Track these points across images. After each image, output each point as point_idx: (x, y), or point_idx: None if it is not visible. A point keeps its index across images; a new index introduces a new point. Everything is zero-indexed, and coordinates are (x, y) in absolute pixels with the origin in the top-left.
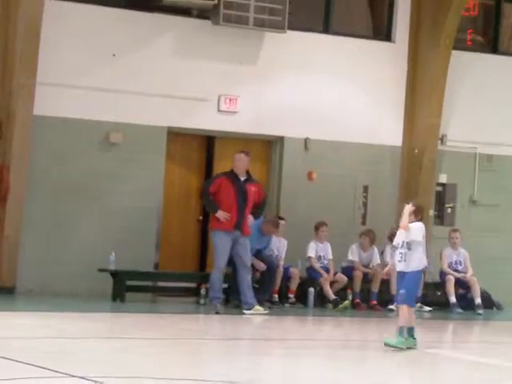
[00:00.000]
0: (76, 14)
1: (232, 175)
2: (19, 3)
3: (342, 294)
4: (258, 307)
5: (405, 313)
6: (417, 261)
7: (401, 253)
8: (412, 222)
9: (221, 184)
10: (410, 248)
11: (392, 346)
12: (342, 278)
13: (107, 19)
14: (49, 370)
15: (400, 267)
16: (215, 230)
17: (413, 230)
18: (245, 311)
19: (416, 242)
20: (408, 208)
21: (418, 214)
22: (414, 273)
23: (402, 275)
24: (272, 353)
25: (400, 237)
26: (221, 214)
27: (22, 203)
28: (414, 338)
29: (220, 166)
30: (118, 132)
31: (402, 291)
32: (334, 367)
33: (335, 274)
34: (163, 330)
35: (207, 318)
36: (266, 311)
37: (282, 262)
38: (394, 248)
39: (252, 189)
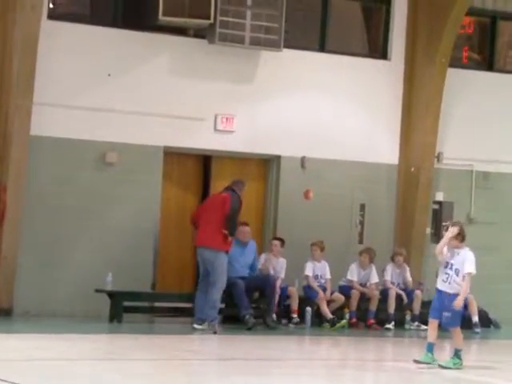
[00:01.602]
0: (72, 33)
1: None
2: (16, 23)
3: (339, 312)
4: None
5: (458, 334)
6: (460, 284)
7: (447, 273)
8: (457, 246)
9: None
10: (457, 274)
11: (449, 368)
12: (339, 297)
13: (103, 39)
14: None
15: (443, 287)
16: (223, 251)
17: (468, 263)
18: (196, 325)
19: (468, 274)
20: (451, 231)
21: (459, 237)
22: (457, 295)
23: (444, 295)
24: (271, 373)
25: (452, 258)
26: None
27: (18, 224)
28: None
29: (217, 186)
30: (113, 152)
31: (447, 314)
32: None
33: (332, 293)
34: (161, 351)
35: (205, 339)
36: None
37: (280, 282)
38: (441, 264)
39: None
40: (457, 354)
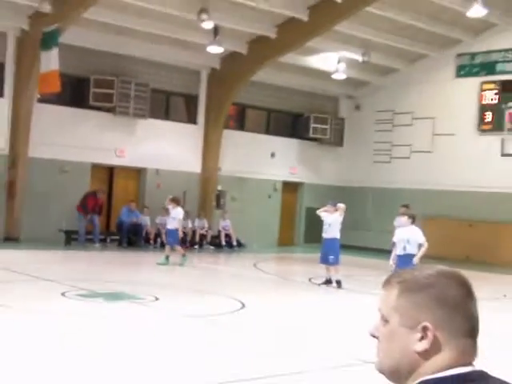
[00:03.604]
0: (49, 110)
1: (94, 193)
2: (21, 103)
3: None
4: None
5: (175, 249)
6: (173, 223)
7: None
8: (174, 207)
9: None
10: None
11: (162, 264)
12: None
13: (64, 112)
14: (32, 276)
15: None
16: (81, 214)
17: (175, 213)
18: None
19: (176, 219)
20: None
21: (176, 203)
22: (172, 230)
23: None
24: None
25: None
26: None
27: (23, 201)
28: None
29: (116, 183)
30: (68, 165)
31: (168, 238)
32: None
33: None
34: (87, 260)
35: (108, 253)
36: None
37: (147, 228)
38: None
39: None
40: (167, 258)
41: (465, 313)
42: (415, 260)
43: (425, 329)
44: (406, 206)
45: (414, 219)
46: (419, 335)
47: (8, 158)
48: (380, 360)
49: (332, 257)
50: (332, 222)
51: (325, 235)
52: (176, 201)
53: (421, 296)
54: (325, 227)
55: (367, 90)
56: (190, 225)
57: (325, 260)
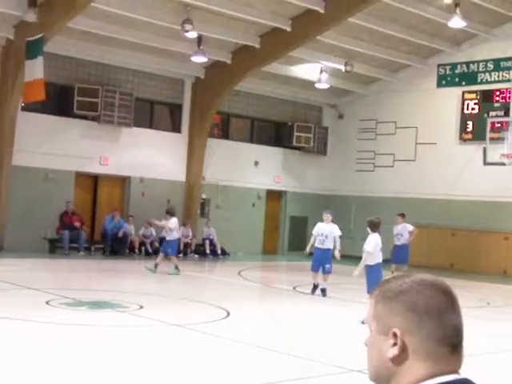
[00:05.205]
0: (33, 118)
1: (65, 212)
2: (5, 114)
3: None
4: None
5: (161, 257)
6: (170, 234)
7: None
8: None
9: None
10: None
11: (150, 270)
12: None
13: (48, 120)
14: (17, 284)
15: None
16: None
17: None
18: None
19: (171, 230)
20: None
21: (168, 214)
22: (170, 240)
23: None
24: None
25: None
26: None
27: (6, 206)
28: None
29: (101, 191)
30: (52, 173)
31: (166, 247)
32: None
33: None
34: (69, 265)
35: (90, 258)
36: None
37: (132, 236)
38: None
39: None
40: (176, 267)
41: (440, 320)
42: (356, 272)
43: (394, 335)
44: (402, 215)
45: (372, 227)
46: (392, 341)
47: None
48: (368, 368)
49: (328, 266)
50: (329, 233)
51: (321, 246)
52: (168, 212)
53: (393, 303)
54: (321, 238)
55: (350, 99)
56: (186, 233)
57: (318, 268)
